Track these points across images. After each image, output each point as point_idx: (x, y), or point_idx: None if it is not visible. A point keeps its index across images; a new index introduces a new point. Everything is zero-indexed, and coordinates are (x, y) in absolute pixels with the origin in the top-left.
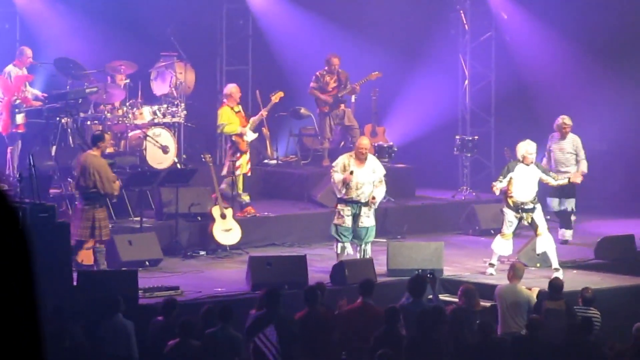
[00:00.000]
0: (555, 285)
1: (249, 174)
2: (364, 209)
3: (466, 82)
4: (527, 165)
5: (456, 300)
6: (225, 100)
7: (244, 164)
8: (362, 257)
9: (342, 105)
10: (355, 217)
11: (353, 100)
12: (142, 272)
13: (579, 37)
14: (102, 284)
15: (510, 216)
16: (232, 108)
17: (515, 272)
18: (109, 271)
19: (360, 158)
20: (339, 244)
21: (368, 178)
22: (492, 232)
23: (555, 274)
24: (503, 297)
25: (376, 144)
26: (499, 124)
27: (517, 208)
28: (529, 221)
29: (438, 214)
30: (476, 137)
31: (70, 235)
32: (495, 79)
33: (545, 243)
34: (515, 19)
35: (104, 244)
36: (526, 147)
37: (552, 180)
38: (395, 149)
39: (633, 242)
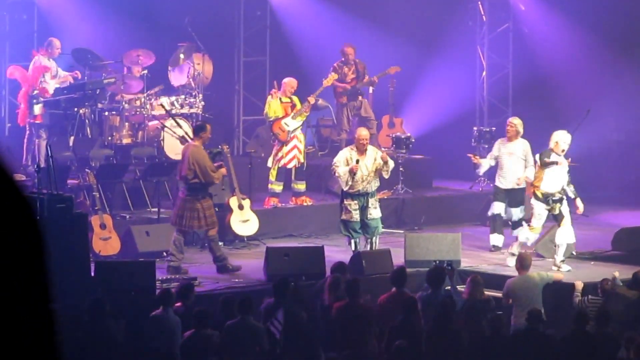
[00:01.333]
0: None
1: (299, 165)
2: (371, 200)
3: (484, 73)
4: (560, 154)
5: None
6: (273, 89)
7: (284, 155)
8: (372, 249)
9: (360, 97)
10: (363, 209)
11: (371, 91)
12: (159, 262)
13: (596, 27)
14: (119, 274)
15: (539, 209)
16: (280, 98)
17: (522, 263)
18: (126, 262)
19: (361, 149)
20: (351, 240)
21: (372, 168)
22: (509, 223)
23: (554, 268)
24: (513, 290)
25: (394, 135)
26: (517, 115)
27: (547, 199)
28: (556, 212)
29: (455, 205)
30: (493, 128)
31: (87, 225)
32: (513, 70)
33: (566, 235)
34: (533, 10)
35: (215, 230)
36: (563, 139)
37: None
38: (413, 140)
39: None
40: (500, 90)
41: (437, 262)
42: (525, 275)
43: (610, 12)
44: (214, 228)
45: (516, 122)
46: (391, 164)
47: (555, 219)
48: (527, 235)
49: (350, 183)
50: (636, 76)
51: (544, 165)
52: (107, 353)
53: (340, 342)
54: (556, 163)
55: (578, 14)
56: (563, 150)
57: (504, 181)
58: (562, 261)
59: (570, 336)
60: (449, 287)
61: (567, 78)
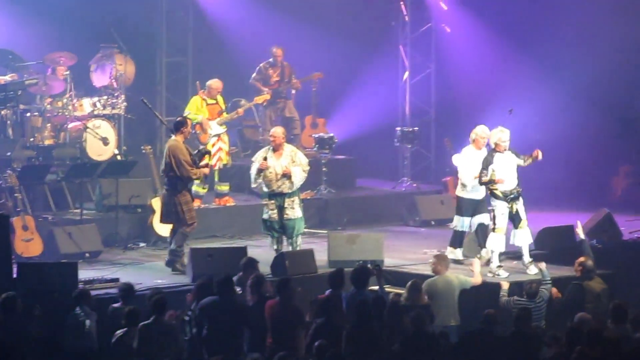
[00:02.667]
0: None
1: (222, 166)
2: (287, 201)
3: (406, 73)
4: (502, 153)
5: (398, 291)
6: (201, 90)
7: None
8: (294, 250)
9: (282, 100)
10: (281, 209)
11: (293, 92)
12: (82, 263)
13: (510, 29)
14: (42, 275)
15: (502, 207)
16: (204, 99)
17: (443, 263)
18: (49, 263)
19: (275, 148)
20: (272, 239)
21: (287, 168)
22: (433, 223)
23: (529, 271)
24: (434, 290)
25: (317, 136)
26: (439, 115)
27: (507, 197)
28: (513, 211)
29: (379, 205)
30: (416, 129)
31: (9, 227)
32: (435, 70)
33: (522, 237)
34: (454, 9)
35: (189, 227)
36: (499, 135)
37: (522, 162)
38: (336, 140)
39: (572, 233)
40: (423, 90)
41: (361, 261)
42: (445, 276)
43: (518, 14)
44: (190, 225)
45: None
46: (297, 176)
47: (512, 222)
48: (495, 240)
49: (259, 181)
50: (553, 78)
51: (487, 182)
52: (20, 349)
53: (272, 338)
54: (494, 182)
55: (489, 15)
56: (505, 148)
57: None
58: (530, 262)
59: (510, 336)
60: (376, 287)
61: (488, 78)
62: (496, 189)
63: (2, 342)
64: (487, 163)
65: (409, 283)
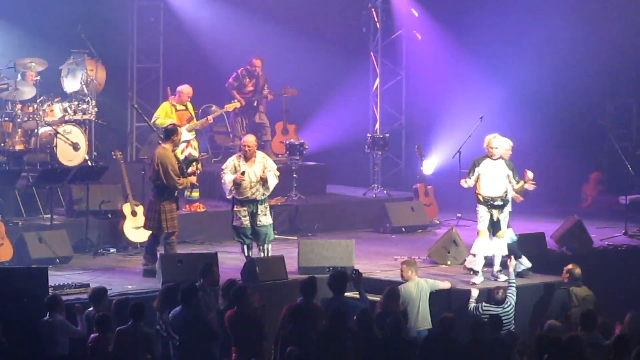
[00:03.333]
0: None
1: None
2: (260, 207)
3: (377, 80)
4: (493, 159)
5: (373, 298)
6: (172, 96)
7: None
8: (265, 256)
9: (254, 103)
10: (253, 215)
11: (265, 100)
12: (52, 269)
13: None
14: (12, 281)
15: (482, 211)
16: (173, 105)
17: (408, 269)
18: (18, 268)
19: (247, 156)
20: (243, 246)
21: (260, 176)
22: (403, 229)
23: (501, 279)
24: (409, 295)
25: (287, 142)
26: (410, 122)
27: (488, 203)
28: (495, 219)
29: (349, 211)
30: (387, 135)
31: None
32: (406, 77)
33: (497, 247)
34: (425, 17)
35: (174, 235)
36: (489, 139)
37: (514, 185)
38: (307, 147)
39: (544, 240)
40: (393, 97)
41: (331, 268)
42: (416, 280)
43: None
44: (172, 233)
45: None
46: (272, 181)
47: (492, 229)
48: (479, 245)
49: (234, 191)
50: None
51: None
52: None
53: (235, 347)
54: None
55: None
56: (494, 154)
57: None
58: (499, 271)
59: (469, 344)
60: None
61: (459, 85)
62: (479, 193)
63: None
64: (473, 166)
65: (386, 290)
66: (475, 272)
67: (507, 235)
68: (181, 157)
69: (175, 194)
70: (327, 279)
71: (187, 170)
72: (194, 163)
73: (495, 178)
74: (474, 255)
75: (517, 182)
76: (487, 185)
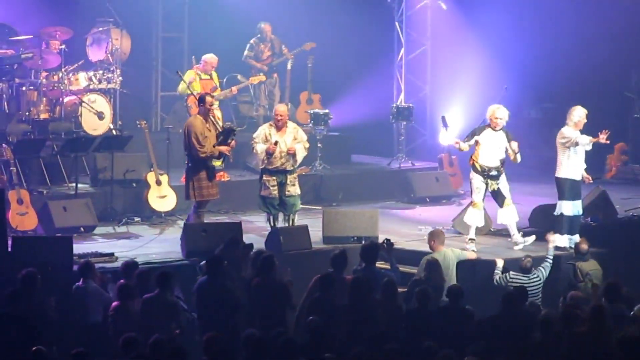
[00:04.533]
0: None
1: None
2: (290, 177)
3: (402, 50)
4: (494, 130)
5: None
6: (196, 65)
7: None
8: (289, 226)
9: (275, 75)
10: (282, 186)
11: (289, 67)
12: (76, 238)
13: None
14: (37, 250)
15: (477, 182)
16: (198, 74)
17: (438, 239)
18: (43, 237)
19: (278, 126)
20: (270, 216)
21: (291, 145)
22: (428, 199)
23: (516, 247)
24: (436, 268)
25: (312, 112)
26: (434, 92)
27: (484, 173)
28: (494, 189)
29: (373, 181)
30: (412, 105)
31: (4, 201)
32: (431, 46)
33: (507, 215)
34: None
35: (202, 205)
36: (493, 110)
37: (511, 153)
38: (331, 116)
39: None
40: (418, 66)
41: (355, 238)
42: (442, 251)
43: None
44: (203, 203)
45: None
46: (300, 154)
47: (496, 200)
48: (471, 215)
49: (266, 161)
50: (551, 57)
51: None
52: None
53: (259, 317)
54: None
55: None
56: (497, 125)
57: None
58: (518, 238)
59: (497, 316)
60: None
61: (485, 53)
62: (476, 162)
63: (24, 317)
64: (473, 134)
65: (426, 261)
66: (471, 240)
67: (569, 207)
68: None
69: (210, 164)
70: (359, 249)
71: (226, 140)
72: (232, 134)
73: (495, 149)
74: (469, 225)
75: (514, 150)
76: (485, 155)
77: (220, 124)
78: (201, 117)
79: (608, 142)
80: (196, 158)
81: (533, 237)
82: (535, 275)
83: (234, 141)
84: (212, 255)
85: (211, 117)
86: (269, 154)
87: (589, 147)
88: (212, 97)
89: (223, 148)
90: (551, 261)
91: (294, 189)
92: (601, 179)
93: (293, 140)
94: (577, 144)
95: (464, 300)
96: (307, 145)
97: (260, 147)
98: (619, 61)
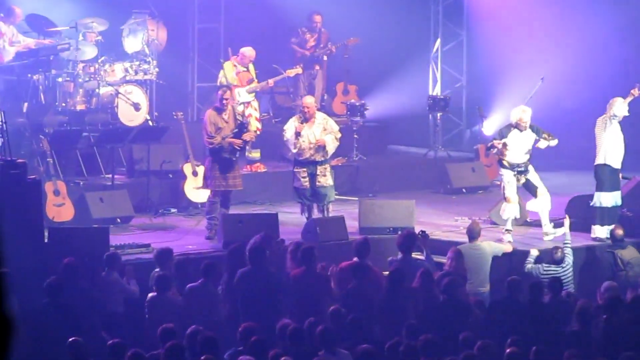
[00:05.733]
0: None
1: (257, 132)
2: (320, 168)
3: (438, 41)
4: (521, 130)
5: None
6: (234, 56)
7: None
8: (325, 216)
9: (317, 66)
10: (313, 177)
11: (325, 59)
12: (113, 229)
13: None
14: (73, 241)
15: (508, 176)
16: (235, 65)
17: (471, 232)
18: (80, 228)
19: (306, 117)
20: (304, 207)
21: (320, 136)
22: (464, 190)
23: (546, 238)
24: (464, 257)
25: (348, 102)
26: (471, 83)
27: (513, 168)
28: (524, 182)
29: (410, 172)
30: (448, 96)
31: (41, 192)
32: (467, 37)
33: (539, 204)
34: None
35: (216, 195)
36: (520, 115)
37: (544, 142)
38: (368, 107)
39: None
40: (454, 57)
41: (392, 229)
42: (474, 243)
43: None
44: (213, 193)
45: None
46: (330, 145)
47: (529, 191)
48: (508, 209)
49: (295, 150)
50: (588, 47)
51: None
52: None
53: (300, 309)
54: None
55: None
56: (525, 127)
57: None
58: (551, 227)
59: (528, 305)
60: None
61: (521, 44)
62: (504, 159)
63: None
64: (501, 136)
65: (452, 250)
66: (508, 231)
67: (608, 198)
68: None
69: (225, 155)
70: (396, 239)
71: (240, 135)
72: (245, 127)
73: (522, 147)
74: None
75: (547, 139)
76: (513, 153)
77: (257, 114)
78: (215, 108)
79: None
80: (209, 149)
81: (564, 228)
82: (566, 264)
83: (248, 135)
84: (253, 244)
85: (236, 109)
86: (298, 133)
87: (625, 110)
88: (230, 90)
89: (233, 140)
90: (570, 244)
91: (325, 180)
92: (630, 179)
93: (323, 131)
94: (613, 115)
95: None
96: (339, 135)
97: (288, 133)
98: None
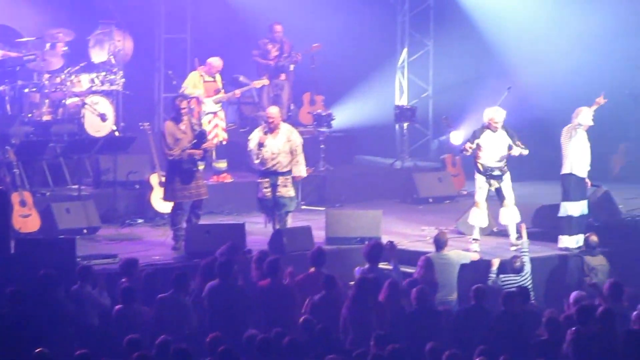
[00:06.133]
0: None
1: (220, 143)
2: (281, 179)
3: (405, 51)
4: (494, 131)
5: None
6: (201, 66)
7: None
8: (280, 227)
9: (283, 76)
10: (274, 187)
11: (291, 68)
12: (79, 240)
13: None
14: (40, 251)
15: (480, 182)
16: (202, 75)
17: (438, 242)
18: (46, 239)
19: (270, 128)
20: (267, 217)
21: (283, 147)
22: (431, 200)
23: (512, 249)
24: (431, 266)
25: (315, 112)
26: (437, 93)
27: (487, 173)
28: (496, 187)
29: (376, 182)
30: (414, 106)
31: (8, 203)
32: (434, 47)
33: (509, 216)
34: None
35: (179, 207)
36: (492, 114)
37: (517, 149)
38: (334, 117)
39: None
40: (421, 68)
41: (359, 239)
42: (442, 253)
43: None
44: (176, 204)
45: None
46: (303, 165)
47: (498, 197)
48: (474, 216)
49: (257, 161)
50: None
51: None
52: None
53: (267, 320)
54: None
55: None
56: (496, 127)
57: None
58: (512, 245)
59: (500, 315)
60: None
61: (488, 55)
62: (479, 162)
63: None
64: (474, 137)
65: (423, 259)
66: (475, 240)
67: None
68: (208, 127)
69: (185, 166)
70: (363, 249)
71: (199, 145)
72: (203, 136)
73: (496, 149)
74: (473, 226)
75: (520, 146)
76: (487, 155)
77: (223, 124)
78: (172, 119)
79: (606, 100)
80: (168, 160)
81: (527, 241)
82: (525, 272)
83: (207, 144)
84: (223, 259)
85: (191, 120)
86: (260, 144)
87: (590, 120)
88: (187, 100)
89: (192, 151)
90: (528, 253)
91: (285, 190)
92: (600, 187)
93: (286, 142)
94: (579, 124)
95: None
96: (300, 148)
97: (251, 144)
98: (623, 60)
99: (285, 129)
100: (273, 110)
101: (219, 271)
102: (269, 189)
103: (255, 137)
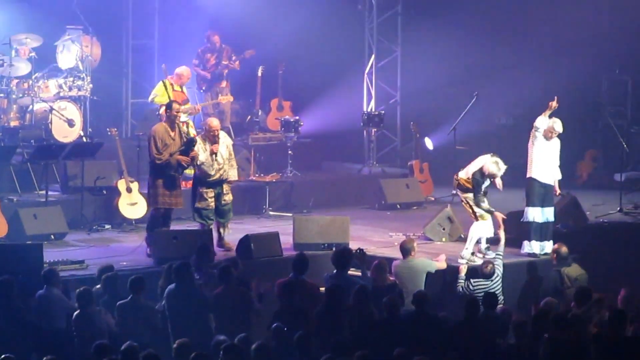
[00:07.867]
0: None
1: None
2: (225, 187)
3: (373, 57)
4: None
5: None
6: (169, 75)
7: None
8: (223, 235)
9: (224, 83)
10: (219, 196)
11: (259, 74)
12: (47, 245)
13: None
14: (7, 257)
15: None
16: (171, 84)
17: (404, 248)
18: (14, 244)
19: (215, 140)
20: (203, 226)
21: (225, 155)
22: (398, 206)
23: (489, 253)
24: (398, 273)
25: (282, 119)
26: (405, 99)
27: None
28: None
29: (344, 188)
30: (382, 112)
31: None
32: (402, 53)
33: (483, 229)
34: None
35: (159, 211)
36: (494, 169)
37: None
38: (302, 123)
39: None
40: (389, 74)
41: (326, 245)
42: (409, 259)
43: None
44: (154, 209)
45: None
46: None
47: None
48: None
49: (214, 167)
50: (520, 62)
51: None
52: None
53: (221, 327)
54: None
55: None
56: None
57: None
58: (487, 248)
59: (462, 322)
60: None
61: (456, 62)
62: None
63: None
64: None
65: (374, 263)
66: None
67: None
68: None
69: (170, 172)
70: (331, 255)
71: (188, 151)
72: (193, 144)
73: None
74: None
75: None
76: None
77: (194, 133)
78: (166, 124)
79: (557, 105)
80: (154, 164)
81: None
82: (496, 276)
83: (194, 152)
84: (179, 262)
85: (181, 126)
86: (214, 153)
87: (558, 126)
88: (180, 104)
89: (181, 158)
90: (502, 257)
91: (229, 198)
92: (566, 196)
93: (226, 149)
94: (536, 128)
95: (435, 308)
96: (231, 148)
97: (202, 157)
98: (589, 67)
99: (223, 136)
100: (215, 122)
101: (175, 275)
102: (213, 199)
103: (200, 148)
